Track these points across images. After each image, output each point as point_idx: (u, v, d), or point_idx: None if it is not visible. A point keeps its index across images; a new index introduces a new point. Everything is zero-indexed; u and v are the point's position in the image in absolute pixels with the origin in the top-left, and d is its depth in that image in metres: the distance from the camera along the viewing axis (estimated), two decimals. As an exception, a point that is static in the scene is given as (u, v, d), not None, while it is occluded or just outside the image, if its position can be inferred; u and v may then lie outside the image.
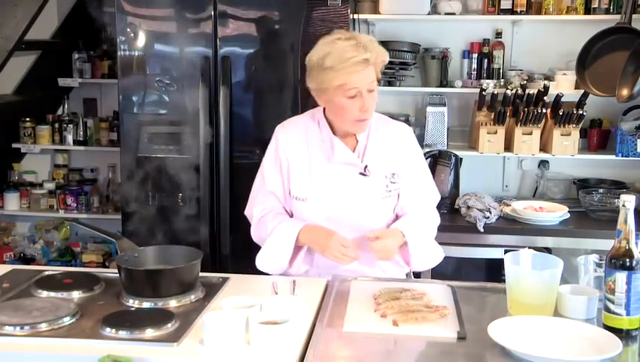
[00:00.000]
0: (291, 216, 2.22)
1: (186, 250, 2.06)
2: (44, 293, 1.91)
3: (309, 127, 2.20)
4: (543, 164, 3.89)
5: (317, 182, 2.14)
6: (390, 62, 3.65)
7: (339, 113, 2.10)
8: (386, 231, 2.11)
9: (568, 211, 3.39)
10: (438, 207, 3.45)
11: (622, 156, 3.60)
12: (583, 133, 3.72)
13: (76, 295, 1.91)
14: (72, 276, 2.04)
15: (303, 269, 2.19)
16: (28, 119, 4.20)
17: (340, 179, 2.13)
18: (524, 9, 3.64)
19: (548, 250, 3.22)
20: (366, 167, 2.14)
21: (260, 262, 2.19)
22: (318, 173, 2.14)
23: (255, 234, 2.26)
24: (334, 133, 2.16)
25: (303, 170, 2.16)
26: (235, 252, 3.53)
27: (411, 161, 2.22)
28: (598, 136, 3.76)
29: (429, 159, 3.59)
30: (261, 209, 2.24)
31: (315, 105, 2.26)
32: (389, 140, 2.19)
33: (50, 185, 4.31)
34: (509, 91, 3.56)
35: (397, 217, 2.22)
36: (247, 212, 2.33)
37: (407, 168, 2.19)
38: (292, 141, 2.20)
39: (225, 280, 2.05)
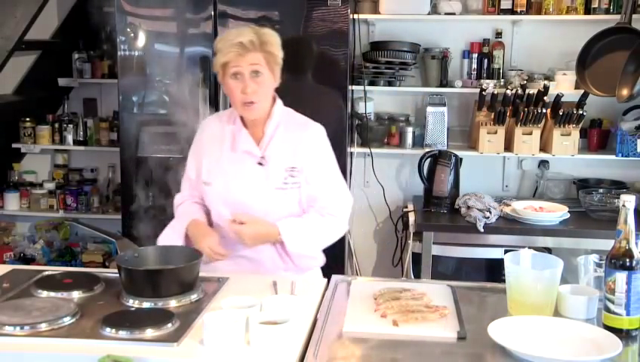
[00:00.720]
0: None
1: (186, 249, 2.07)
2: (44, 293, 1.91)
3: (225, 120, 2.31)
4: (543, 164, 3.89)
5: (220, 168, 2.25)
6: (390, 62, 3.70)
7: (229, 96, 2.22)
8: (258, 221, 2.16)
9: (568, 211, 3.39)
10: (439, 206, 3.51)
11: (622, 156, 3.61)
12: (583, 133, 3.72)
13: (76, 295, 1.91)
14: (72, 276, 2.04)
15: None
16: (28, 119, 4.20)
17: (239, 167, 2.23)
18: (524, 9, 3.64)
19: (548, 250, 3.22)
20: (263, 156, 2.21)
21: None
22: (222, 160, 2.25)
23: None
24: (246, 125, 2.26)
25: (213, 157, 2.27)
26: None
27: (316, 161, 2.26)
28: (598, 136, 3.76)
29: (428, 159, 3.60)
30: (180, 196, 2.40)
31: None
32: (296, 136, 2.25)
33: (50, 185, 4.31)
34: (509, 91, 3.56)
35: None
36: None
37: (311, 167, 2.24)
38: (210, 131, 2.33)
39: (225, 280, 2.05)
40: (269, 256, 2.23)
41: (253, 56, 2.12)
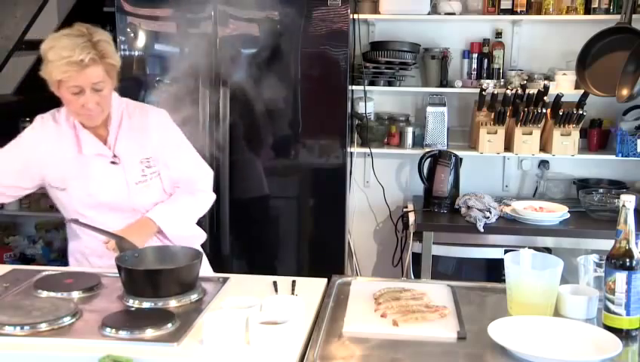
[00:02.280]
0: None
1: (186, 249, 2.06)
2: (44, 293, 1.91)
3: (62, 119, 2.23)
4: (543, 164, 3.89)
5: (71, 173, 2.19)
6: (390, 62, 3.70)
7: (66, 106, 2.16)
8: (132, 227, 2.15)
9: (568, 211, 3.39)
10: (439, 206, 3.51)
11: (622, 156, 3.60)
12: (583, 133, 3.72)
13: (76, 295, 1.91)
14: (72, 276, 2.04)
15: None
16: (28, 119, 4.18)
17: (93, 169, 2.19)
18: (524, 9, 3.64)
19: (548, 250, 3.22)
20: (115, 155, 2.19)
21: None
22: (71, 165, 2.19)
23: None
24: (84, 125, 2.20)
25: (59, 162, 2.20)
26: (235, 252, 3.53)
27: (169, 144, 2.27)
28: (598, 136, 3.76)
29: (428, 159, 3.60)
30: None
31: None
32: (142, 127, 2.23)
33: (50, 185, 4.31)
34: (509, 91, 3.56)
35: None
36: None
37: (165, 151, 2.24)
38: (47, 132, 2.22)
39: (225, 280, 2.05)
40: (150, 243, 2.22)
41: (93, 71, 2.03)
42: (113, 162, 2.19)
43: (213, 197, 2.38)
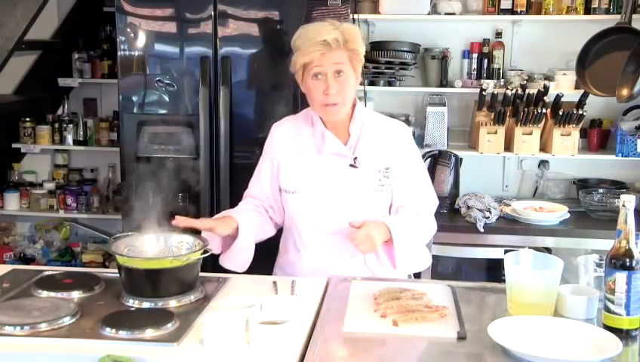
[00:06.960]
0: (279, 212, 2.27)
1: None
2: (44, 293, 1.91)
3: (302, 123, 2.23)
4: (543, 164, 3.89)
5: (306, 173, 2.16)
6: (390, 62, 3.70)
7: (309, 96, 2.14)
8: (369, 222, 2.07)
9: (568, 211, 3.39)
10: (439, 207, 3.49)
11: (622, 156, 3.61)
12: (583, 133, 3.72)
13: (76, 295, 1.91)
14: (72, 276, 2.04)
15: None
16: (28, 119, 4.20)
17: (330, 171, 2.14)
18: (524, 9, 3.64)
19: (548, 250, 3.22)
20: (356, 158, 2.14)
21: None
22: (307, 165, 2.16)
23: None
24: (327, 127, 2.18)
25: (293, 164, 2.18)
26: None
27: (407, 160, 2.21)
28: (598, 136, 3.76)
29: (428, 159, 3.60)
30: (246, 193, 2.33)
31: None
32: (383, 135, 2.20)
33: (50, 185, 4.31)
34: (509, 91, 3.57)
35: None
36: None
37: (402, 166, 2.19)
38: (284, 137, 2.23)
39: (225, 280, 2.05)
40: (367, 258, 2.18)
41: (334, 55, 2.03)
42: (352, 165, 2.14)
43: (435, 227, 2.28)
